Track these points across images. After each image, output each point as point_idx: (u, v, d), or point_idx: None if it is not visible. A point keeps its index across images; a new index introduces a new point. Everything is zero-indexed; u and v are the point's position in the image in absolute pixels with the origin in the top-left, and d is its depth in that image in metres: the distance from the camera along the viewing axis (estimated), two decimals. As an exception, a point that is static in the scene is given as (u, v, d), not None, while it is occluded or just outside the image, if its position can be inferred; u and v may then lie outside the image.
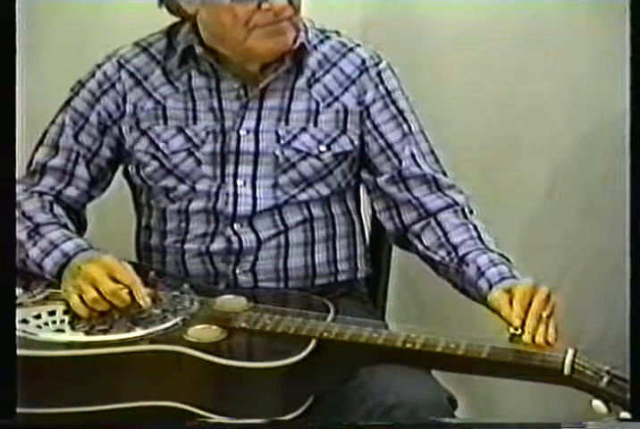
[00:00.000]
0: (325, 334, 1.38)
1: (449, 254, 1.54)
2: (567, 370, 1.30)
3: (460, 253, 1.52)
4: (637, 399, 1.22)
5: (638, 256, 1.22)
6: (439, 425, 1.33)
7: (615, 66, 1.72)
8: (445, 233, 1.56)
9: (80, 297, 1.45)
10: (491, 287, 1.45)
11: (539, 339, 1.34)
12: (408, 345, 1.36)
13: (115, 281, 1.44)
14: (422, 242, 1.58)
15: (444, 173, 1.63)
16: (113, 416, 1.35)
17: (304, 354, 1.35)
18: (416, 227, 1.60)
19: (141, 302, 1.44)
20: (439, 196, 1.60)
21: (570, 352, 1.32)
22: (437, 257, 1.56)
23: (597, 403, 1.27)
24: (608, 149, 1.95)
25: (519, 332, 1.35)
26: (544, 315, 1.36)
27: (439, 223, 1.58)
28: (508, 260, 1.51)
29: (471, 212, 1.60)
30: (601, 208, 2.00)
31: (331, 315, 1.45)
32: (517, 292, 1.39)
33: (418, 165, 1.61)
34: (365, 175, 1.65)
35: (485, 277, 1.47)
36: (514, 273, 1.47)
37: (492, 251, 1.51)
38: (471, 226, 1.56)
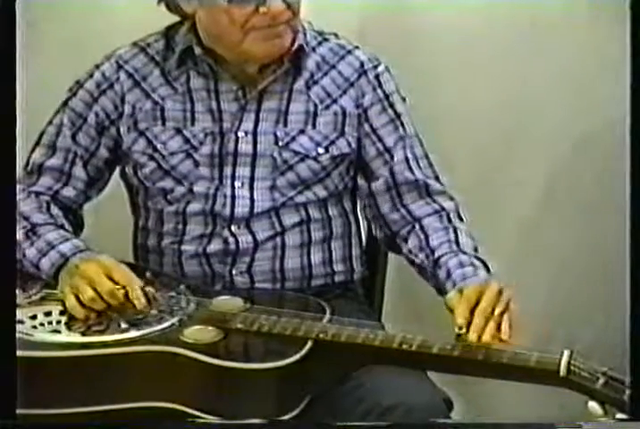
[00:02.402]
0: (322, 335, 1.38)
1: (427, 257, 1.55)
2: (563, 371, 1.30)
3: (436, 256, 1.53)
4: (637, 398, 1.21)
5: (638, 258, 1.22)
6: (435, 426, 1.33)
7: (614, 68, 1.72)
8: (426, 237, 1.57)
9: (77, 297, 1.45)
10: (454, 288, 1.45)
11: (486, 337, 1.34)
12: (405, 346, 1.36)
13: (112, 280, 1.45)
14: (407, 245, 1.59)
15: (437, 178, 1.63)
16: (110, 417, 1.35)
17: (300, 355, 1.35)
18: (404, 232, 1.61)
19: (136, 302, 1.44)
20: (427, 202, 1.61)
21: (566, 353, 1.32)
22: (418, 261, 1.57)
23: (593, 404, 1.27)
24: (606, 152, 1.95)
25: (463, 331, 1.34)
26: (497, 311, 1.35)
27: (422, 228, 1.58)
28: (484, 263, 1.51)
29: (460, 218, 1.60)
30: (598, 210, 2.00)
31: (327, 316, 1.45)
32: (465, 291, 1.40)
33: (411, 171, 1.61)
34: (360, 181, 1.65)
35: (451, 279, 1.48)
36: (477, 273, 1.47)
37: (465, 254, 1.51)
38: (451, 230, 1.57)
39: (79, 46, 1.98)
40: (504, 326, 1.35)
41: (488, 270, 1.50)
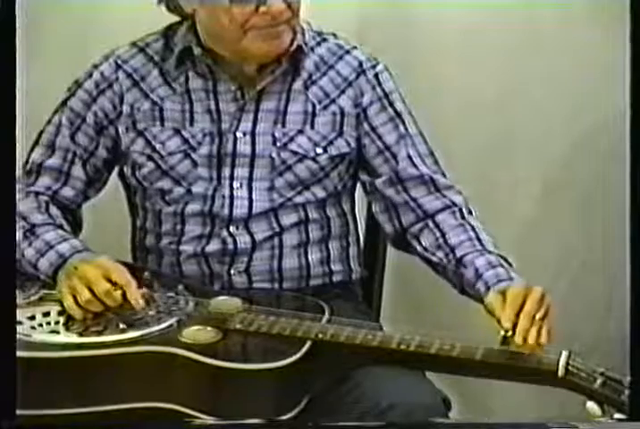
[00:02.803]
0: (320, 335, 1.38)
1: (447, 255, 1.54)
2: (561, 372, 1.30)
3: (458, 254, 1.52)
4: (636, 398, 1.22)
5: (638, 257, 1.22)
6: (433, 426, 1.33)
7: (614, 67, 1.72)
8: (443, 234, 1.56)
9: (75, 298, 1.45)
10: (488, 289, 1.44)
11: (531, 340, 1.33)
12: (403, 346, 1.36)
13: (110, 281, 1.44)
14: (420, 243, 1.58)
15: (443, 174, 1.62)
16: (109, 417, 1.35)
17: (299, 355, 1.35)
18: (415, 228, 1.60)
19: (133, 302, 1.43)
20: (437, 197, 1.60)
21: (565, 354, 1.32)
22: (435, 259, 1.56)
23: (591, 404, 1.27)
24: (605, 150, 1.95)
25: (510, 333, 1.34)
26: (538, 316, 1.35)
27: (437, 225, 1.57)
28: (506, 260, 1.51)
29: (470, 212, 1.60)
30: (597, 209, 2.00)
31: (326, 317, 1.45)
32: (510, 294, 1.38)
33: (416, 166, 1.60)
34: (363, 177, 1.65)
35: (483, 280, 1.47)
36: (511, 275, 1.46)
37: (490, 252, 1.51)
38: (469, 227, 1.56)
39: (80, 46, 1.97)
40: (544, 332, 1.34)
41: (510, 265, 1.50)
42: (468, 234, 1.54)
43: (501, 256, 1.51)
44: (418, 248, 1.59)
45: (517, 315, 1.35)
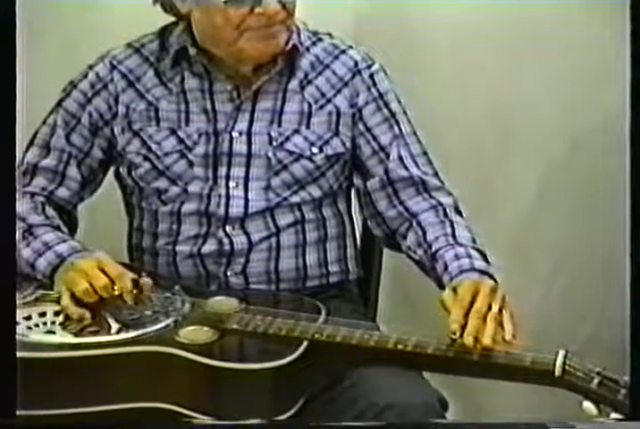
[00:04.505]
0: (317, 336, 1.38)
1: (425, 252, 1.54)
2: (557, 371, 1.30)
3: (433, 250, 1.51)
4: (635, 398, 1.22)
5: (637, 256, 1.22)
6: (430, 426, 1.33)
7: (610, 67, 1.72)
8: (424, 232, 1.56)
9: (72, 295, 1.44)
10: (452, 281, 1.43)
11: (487, 340, 1.30)
12: (400, 347, 1.36)
13: (104, 273, 1.44)
14: (405, 243, 1.59)
15: (436, 174, 1.62)
16: (107, 417, 1.35)
17: (295, 355, 1.35)
18: (402, 229, 1.60)
19: (124, 296, 1.43)
20: (424, 198, 1.60)
21: (561, 353, 1.32)
22: (416, 257, 1.56)
23: (587, 404, 1.27)
24: (602, 151, 1.95)
25: (457, 335, 1.31)
26: (494, 308, 1.33)
27: (419, 223, 1.57)
28: (482, 253, 1.49)
29: (458, 212, 1.59)
30: (595, 209, 2.00)
31: (322, 317, 1.45)
32: (459, 291, 1.36)
33: (406, 168, 1.61)
34: (356, 180, 1.65)
35: (448, 272, 1.46)
36: (475, 266, 1.45)
37: (461, 245, 1.50)
38: (448, 223, 1.55)
39: (76, 47, 1.97)
40: (507, 326, 1.33)
41: (486, 260, 1.48)
42: (445, 230, 1.54)
43: (477, 250, 1.49)
44: (404, 247, 1.59)
45: (466, 314, 1.33)
